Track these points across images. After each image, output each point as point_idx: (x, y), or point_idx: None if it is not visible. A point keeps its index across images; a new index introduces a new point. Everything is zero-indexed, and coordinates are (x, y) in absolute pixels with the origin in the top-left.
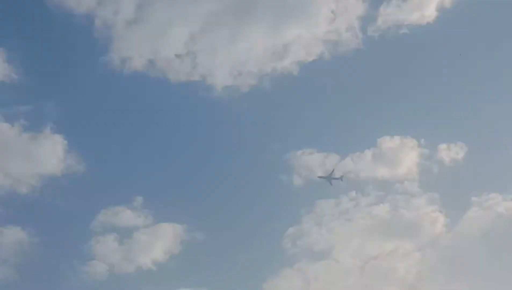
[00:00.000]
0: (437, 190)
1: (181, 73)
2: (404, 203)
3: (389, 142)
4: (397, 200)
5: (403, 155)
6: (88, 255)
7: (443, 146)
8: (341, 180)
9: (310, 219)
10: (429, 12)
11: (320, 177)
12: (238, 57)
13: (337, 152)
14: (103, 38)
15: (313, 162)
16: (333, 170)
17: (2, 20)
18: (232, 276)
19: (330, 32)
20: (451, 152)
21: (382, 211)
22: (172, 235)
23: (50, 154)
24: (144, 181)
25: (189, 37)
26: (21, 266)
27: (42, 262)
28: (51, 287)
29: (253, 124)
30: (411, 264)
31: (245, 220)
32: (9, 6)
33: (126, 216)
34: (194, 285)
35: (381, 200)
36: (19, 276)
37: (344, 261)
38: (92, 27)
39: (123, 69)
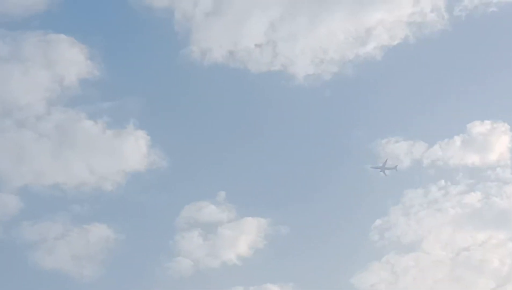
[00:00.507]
0: None
1: (261, 63)
2: (496, 190)
3: (479, 127)
4: (489, 188)
5: (494, 140)
6: (173, 251)
7: None
8: (396, 170)
9: (398, 210)
10: None
11: (373, 167)
12: (319, 44)
13: (424, 139)
14: (183, 31)
15: (399, 150)
16: (386, 160)
17: (83, 17)
18: (318, 270)
19: (414, 14)
20: None
21: (473, 199)
22: (256, 229)
23: (134, 150)
24: (227, 176)
25: (269, 25)
26: (108, 262)
27: (128, 259)
28: (138, 283)
29: (336, 112)
30: (505, 255)
31: (330, 212)
32: (89, 2)
33: (209, 211)
34: (280, 281)
35: (472, 188)
36: (106, 272)
37: (434, 253)
38: (172, 20)
39: (203, 61)
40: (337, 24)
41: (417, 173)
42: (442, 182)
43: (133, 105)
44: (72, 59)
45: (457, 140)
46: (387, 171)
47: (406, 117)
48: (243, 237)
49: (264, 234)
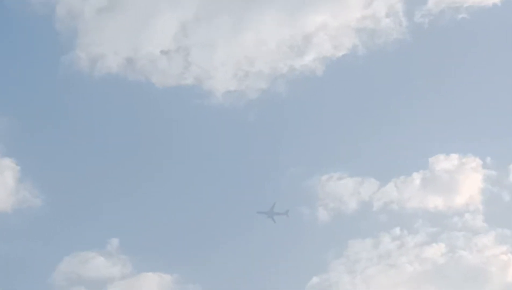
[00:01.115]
0: (508, 225)
1: (169, 75)
2: (464, 242)
3: (444, 162)
4: (455, 239)
5: (462, 179)
6: None
7: None
8: (287, 215)
9: (341, 265)
10: None
11: (259, 212)
12: (244, 53)
13: (375, 176)
14: (66, 32)
15: (343, 190)
16: (274, 203)
17: None
18: None
19: (365, 19)
20: None
21: (436, 253)
22: (158, 288)
23: None
24: (120, 219)
25: (179, 28)
26: None
27: None
28: None
29: (263, 140)
30: None
31: (253, 267)
32: None
33: (97, 264)
34: None
35: (434, 239)
36: None
37: None
38: (52, 18)
39: (93, 71)
40: (267, 28)
41: (365, 219)
42: (397, 230)
43: None
44: None
45: (416, 177)
46: (276, 217)
47: (352, 148)
48: None
49: None
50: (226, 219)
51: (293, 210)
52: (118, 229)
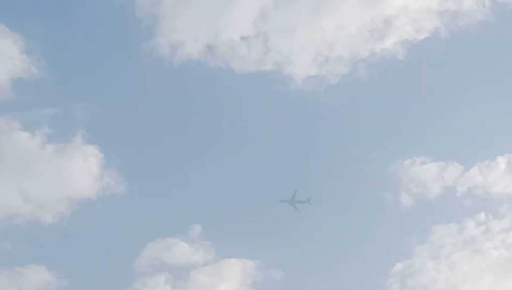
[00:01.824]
0: None
1: (249, 61)
2: None
3: None
4: None
5: None
6: None
7: None
8: (309, 203)
9: (425, 251)
10: None
11: (281, 201)
12: (324, 37)
13: (459, 160)
14: (147, 19)
15: (426, 174)
16: (296, 191)
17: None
18: None
19: (447, 1)
20: None
21: None
22: (241, 274)
23: (82, 171)
24: (203, 205)
25: (259, 13)
26: None
27: None
28: None
29: (344, 125)
30: None
31: (336, 253)
32: None
33: (180, 250)
34: None
35: None
36: None
37: None
38: (133, 5)
39: (173, 58)
40: (347, 12)
41: (449, 204)
42: (482, 215)
43: (81, 112)
44: (3, 53)
45: (501, 161)
46: (298, 205)
47: (435, 132)
48: (224, 284)
49: (252, 281)
50: (308, 205)
51: (376, 196)
52: (200, 216)
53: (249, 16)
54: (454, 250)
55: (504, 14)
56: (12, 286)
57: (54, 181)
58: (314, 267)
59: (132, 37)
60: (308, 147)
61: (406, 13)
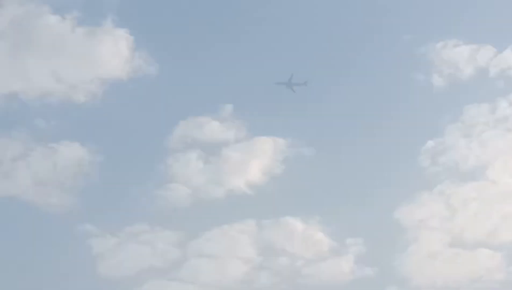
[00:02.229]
0: None
1: None
2: None
3: None
4: None
5: None
6: (165, 176)
7: None
8: (305, 85)
9: (456, 129)
10: None
11: (278, 83)
12: None
13: (492, 43)
14: None
15: (458, 56)
16: (292, 74)
17: None
18: (351, 201)
19: None
20: None
21: None
22: (271, 151)
23: (113, 53)
24: (234, 84)
25: None
26: (81, 190)
27: (107, 186)
28: (119, 215)
29: (376, 7)
30: None
31: (367, 130)
32: None
33: (212, 128)
34: (302, 213)
35: None
36: (78, 202)
37: (503, 183)
38: None
39: None
40: None
41: (481, 85)
42: None
43: None
44: None
45: None
46: (295, 88)
47: (468, 14)
48: (255, 160)
49: (282, 157)
50: (343, 82)
51: (407, 77)
52: (231, 95)
53: None
54: (486, 129)
55: None
56: (47, 161)
57: (85, 63)
58: (346, 145)
59: None
60: (345, 27)
61: None
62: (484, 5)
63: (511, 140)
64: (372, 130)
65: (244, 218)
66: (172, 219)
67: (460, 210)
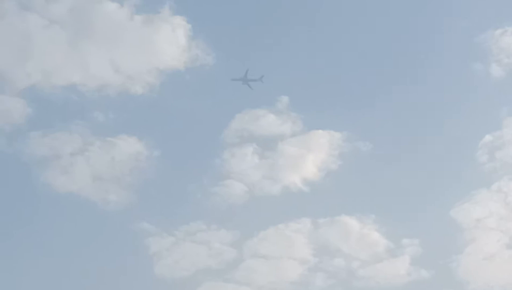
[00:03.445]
0: None
1: None
2: None
3: None
4: None
5: None
6: (221, 172)
7: None
8: (261, 81)
9: None
10: None
11: (233, 80)
12: None
13: None
14: None
15: None
16: (247, 70)
17: None
18: (408, 199)
19: None
20: None
21: None
22: (328, 145)
23: (170, 42)
24: (290, 76)
25: None
26: (138, 185)
27: (164, 181)
28: (175, 211)
29: None
30: None
31: (426, 125)
32: None
33: (267, 121)
34: (358, 211)
35: None
36: (135, 197)
37: None
38: None
39: None
40: None
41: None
42: None
43: None
44: None
45: None
46: (252, 84)
47: None
48: (311, 155)
49: (339, 152)
50: (398, 74)
51: (464, 67)
52: (288, 87)
53: None
54: None
55: None
56: (106, 155)
57: (143, 52)
58: (402, 139)
59: None
60: (396, 13)
61: None
62: None
63: None
64: (429, 125)
65: (300, 216)
66: (228, 217)
67: None
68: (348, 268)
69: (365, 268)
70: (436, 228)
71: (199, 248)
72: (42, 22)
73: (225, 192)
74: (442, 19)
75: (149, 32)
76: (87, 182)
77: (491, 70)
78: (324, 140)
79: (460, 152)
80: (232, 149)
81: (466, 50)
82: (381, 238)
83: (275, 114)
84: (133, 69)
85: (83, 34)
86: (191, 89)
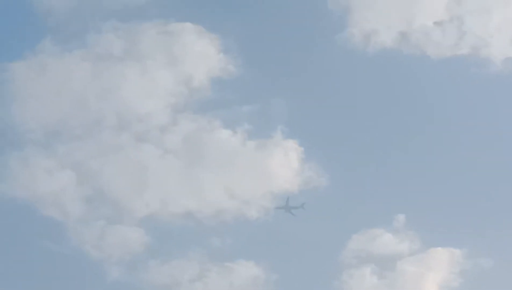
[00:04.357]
0: None
1: (444, 46)
2: None
3: None
4: None
5: None
6: None
7: None
8: (303, 208)
9: None
10: None
11: (277, 208)
12: None
13: None
14: (339, 10)
15: None
16: (288, 198)
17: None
18: None
19: None
20: None
21: None
22: (448, 263)
23: (284, 165)
24: (406, 194)
25: None
26: None
27: None
28: None
29: None
30: None
31: None
32: None
33: (385, 241)
34: None
35: None
36: None
37: None
38: None
39: (367, 47)
40: None
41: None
42: None
43: (279, 108)
44: (201, 54)
45: None
46: (294, 211)
47: None
48: (431, 273)
49: (459, 269)
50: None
51: None
52: (403, 205)
53: (441, 0)
54: None
55: None
56: (224, 281)
57: (257, 176)
58: None
59: (325, 29)
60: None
61: None
62: None
63: None
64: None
65: None
66: None
67: None
68: None
69: None
70: None
71: None
72: (157, 152)
73: None
74: None
75: (262, 156)
76: None
77: None
78: (443, 257)
79: None
80: (350, 270)
81: None
82: None
83: (392, 233)
84: (247, 193)
85: (197, 161)
86: (306, 211)
